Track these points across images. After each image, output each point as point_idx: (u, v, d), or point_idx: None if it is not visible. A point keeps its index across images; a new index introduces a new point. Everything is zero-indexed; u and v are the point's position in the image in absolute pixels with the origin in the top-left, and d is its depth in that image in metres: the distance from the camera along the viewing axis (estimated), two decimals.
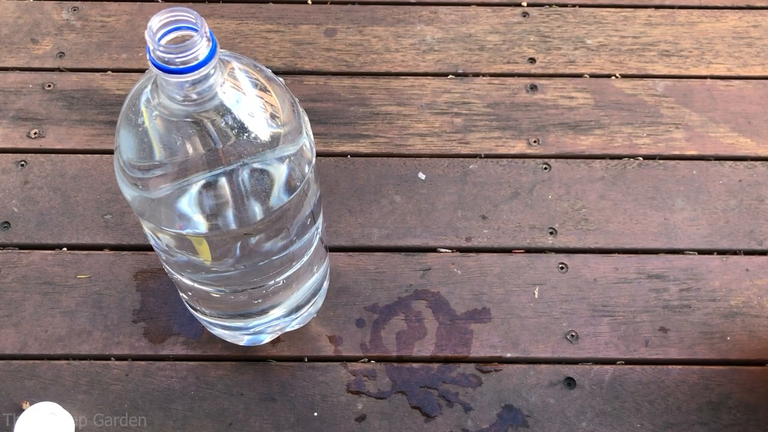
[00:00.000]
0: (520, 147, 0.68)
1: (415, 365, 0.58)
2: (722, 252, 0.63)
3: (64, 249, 0.62)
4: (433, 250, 0.63)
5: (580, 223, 0.64)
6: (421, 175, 0.66)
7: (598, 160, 0.67)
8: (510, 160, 0.67)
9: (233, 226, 0.42)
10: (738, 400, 0.56)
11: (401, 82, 0.72)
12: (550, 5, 0.78)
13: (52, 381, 0.56)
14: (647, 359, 0.58)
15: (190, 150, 0.39)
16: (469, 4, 0.77)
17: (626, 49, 0.74)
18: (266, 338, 0.57)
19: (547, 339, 0.59)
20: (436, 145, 0.68)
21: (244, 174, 0.40)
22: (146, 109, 0.39)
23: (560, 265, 0.62)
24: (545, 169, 0.67)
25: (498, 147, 0.68)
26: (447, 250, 0.63)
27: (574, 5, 0.77)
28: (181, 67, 0.35)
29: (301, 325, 0.58)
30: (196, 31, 0.35)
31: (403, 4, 0.77)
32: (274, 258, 0.47)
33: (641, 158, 0.68)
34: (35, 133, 0.68)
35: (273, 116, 0.41)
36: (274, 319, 0.55)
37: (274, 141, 0.41)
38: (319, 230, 0.51)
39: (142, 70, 0.71)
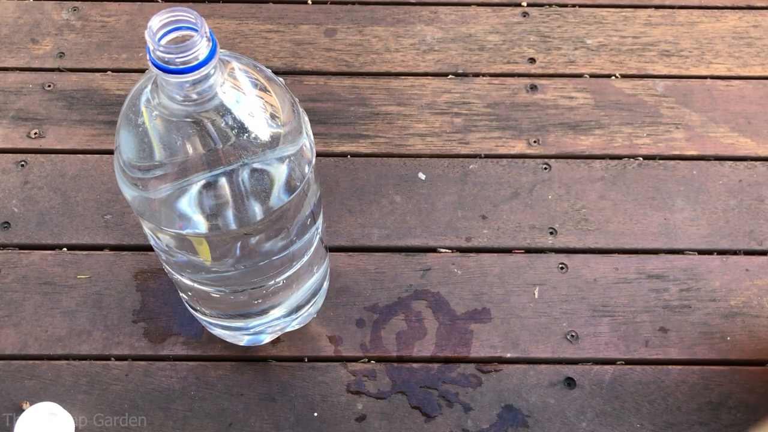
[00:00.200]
0: (520, 147, 0.68)
1: (415, 365, 0.58)
2: (722, 252, 0.63)
3: (64, 249, 0.62)
4: (433, 250, 0.63)
5: (580, 223, 0.64)
6: (421, 175, 0.66)
7: (598, 160, 0.67)
8: (510, 160, 0.67)
9: (233, 226, 0.42)
10: (738, 400, 0.56)
11: (401, 82, 0.72)
12: (550, 5, 0.78)
13: (52, 381, 0.56)
14: (647, 359, 0.58)
15: (190, 150, 0.39)
16: (469, 4, 0.77)
17: (626, 49, 0.74)
18: (266, 338, 0.57)
19: (547, 339, 0.59)
20: (436, 145, 0.68)
21: (244, 174, 0.40)
22: (146, 109, 0.39)
23: (560, 265, 0.62)
24: (545, 169, 0.67)
25: (498, 147, 0.68)
26: (447, 250, 0.63)
27: (574, 5, 0.77)
28: (181, 67, 0.35)
29: (301, 325, 0.58)
30: (196, 31, 0.35)
31: (403, 4, 0.77)
32: (274, 258, 0.47)
33: (641, 158, 0.68)
34: (35, 133, 0.68)
35: (273, 116, 0.41)
36: (274, 319, 0.55)
37: (274, 141, 0.41)
38: (319, 230, 0.51)
39: (142, 70, 0.71)
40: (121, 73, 0.72)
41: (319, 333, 0.59)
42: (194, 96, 0.37)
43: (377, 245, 0.63)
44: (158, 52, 0.35)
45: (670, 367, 0.58)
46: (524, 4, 0.77)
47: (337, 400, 0.56)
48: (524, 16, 0.77)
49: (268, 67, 0.44)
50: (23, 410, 0.54)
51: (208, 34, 0.36)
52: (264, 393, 0.56)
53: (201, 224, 0.41)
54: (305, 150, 0.43)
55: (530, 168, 0.67)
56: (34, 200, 0.64)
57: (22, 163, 0.66)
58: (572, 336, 0.59)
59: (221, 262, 0.46)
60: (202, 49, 0.35)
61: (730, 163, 0.67)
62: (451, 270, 0.62)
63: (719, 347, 0.59)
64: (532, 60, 0.73)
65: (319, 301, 0.59)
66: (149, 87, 0.39)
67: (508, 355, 0.58)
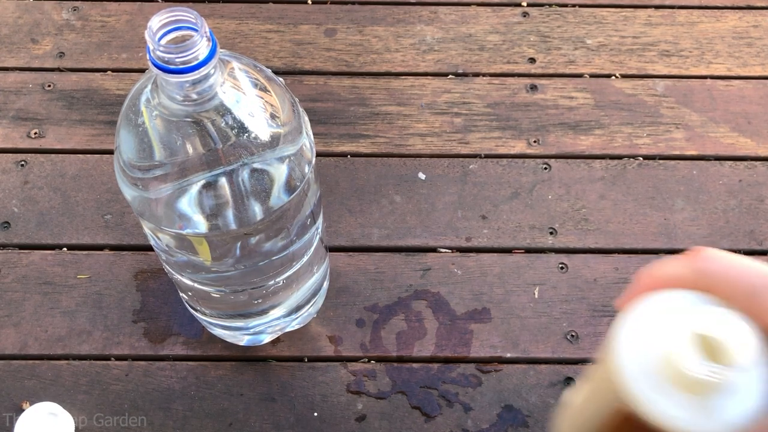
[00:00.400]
0: (520, 147, 0.68)
1: (415, 365, 0.58)
2: None
3: (64, 249, 0.62)
4: (433, 250, 0.63)
5: (580, 223, 0.64)
6: (421, 175, 0.66)
7: (598, 160, 0.67)
8: (510, 160, 0.67)
9: (233, 226, 0.42)
10: None
11: (401, 82, 0.72)
12: (550, 5, 0.78)
13: (52, 381, 0.56)
14: None
15: (190, 150, 0.39)
16: (469, 4, 0.77)
17: (626, 49, 0.74)
18: (266, 338, 0.57)
19: (547, 339, 0.59)
20: (436, 145, 0.68)
21: (244, 174, 0.40)
22: (146, 109, 0.39)
23: (560, 265, 0.62)
24: (545, 169, 0.67)
25: (498, 147, 0.68)
26: (447, 250, 0.63)
27: (574, 5, 0.77)
28: (181, 67, 0.35)
29: (301, 325, 0.58)
30: (196, 31, 0.35)
31: (403, 4, 0.77)
32: (274, 258, 0.47)
33: (641, 158, 0.68)
34: (35, 133, 0.68)
35: (273, 116, 0.41)
36: (274, 319, 0.55)
37: (274, 141, 0.41)
38: (319, 230, 0.51)
39: (142, 70, 0.71)
40: (121, 73, 0.72)
41: (319, 333, 0.59)
42: (194, 96, 0.37)
43: (377, 245, 0.63)
44: (158, 52, 0.35)
45: None
46: (524, 4, 0.77)
47: (337, 400, 0.56)
48: (524, 16, 0.77)
49: (268, 67, 0.44)
50: (23, 410, 0.54)
51: (208, 34, 0.36)
52: (264, 393, 0.56)
53: (201, 224, 0.41)
54: (305, 150, 0.43)
55: (530, 168, 0.67)
56: (34, 200, 0.64)
57: (22, 163, 0.66)
58: (572, 336, 0.59)
59: (221, 262, 0.46)
60: (202, 49, 0.35)
61: (730, 163, 0.67)
62: (451, 270, 0.62)
63: None
64: (532, 60, 0.73)
65: (319, 301, 0.59)
66: (149, 87, 0.39)
67: (508, 355, 0.58)
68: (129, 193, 0.42)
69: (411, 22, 0.76)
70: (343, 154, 0.67)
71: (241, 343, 0.58)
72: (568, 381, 0.57)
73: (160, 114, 0.39)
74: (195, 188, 0.40)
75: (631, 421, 0.32)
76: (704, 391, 0.30)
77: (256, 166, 0.41)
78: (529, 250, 0.63)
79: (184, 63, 0.35)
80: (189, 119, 0.38)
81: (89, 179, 0.65)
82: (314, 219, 0.49)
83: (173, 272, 0.50)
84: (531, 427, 0.55)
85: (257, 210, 0.42)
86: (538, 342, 0.59)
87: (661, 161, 0.68)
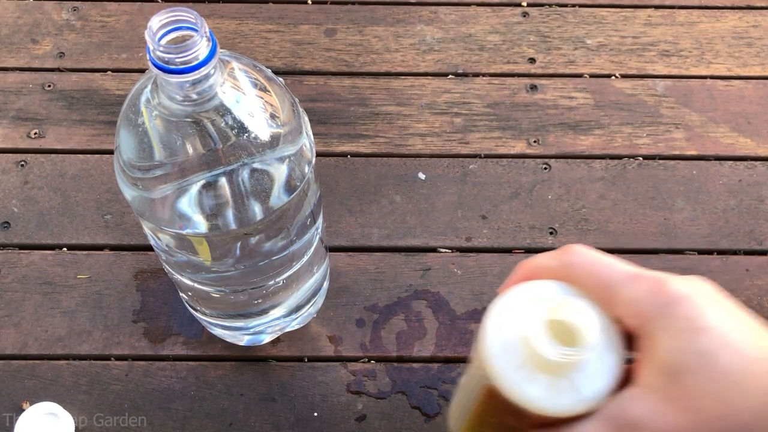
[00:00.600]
0: (520, 147, 0.68)
1: (415, 365, 0.58)
2: (722, 252, 0.63)
3: (64, 249, 0.62)
4: (433, 250, 0.63)
5: (580, 223, 0.64)
6: (421, 175, 0.66)
7: (598, 160, 0.67)
8: (510, 160, 0.67)
9: (233, 226, 0.42)
10: None
11: (401, 82, 0.72)
12: (550, 5, 0.78)
13: (52, 381, 0.56)
14: None
15: (190, 150, 0.39)
16: (469, 4, 0.77)
17: (626, 49, 0.74)
18: (266, 338, 0.57)
19: None
20: (436, 145, 0.68)
21: (244, 174, 0.40)
22: (146, 109, 0.39)
23: None
24: (545, 169, 0.67)
25: (498, 147, 0.68)
26: (447, 250, 0.63)
27: (574, 5, 0.77)
28: (181, 67, 0.35)
29: (301, 325, 0.58)
30: (196, 31, 0.35)
31: (403, 4, 0.77)
32: (274, 258, 0.47)
33: (641, 158, 0.68)
34: (35, 133, 0.68)
35: (273, 116, 0.41)
36: (274, 319, 0.55)
37: (274, 141, 0.41)
38: (319, 230, 0.51)
39: (142, 70, 0.71)
40: (121, 73, 0.72)
41: (319, 333, 0.59)
42: (194, 96, 0.37)
43: (377, 245, 0.63)
44: (158, 52, 0.35)
45: None
46: (524, 4, 0.77)
47: (337, 400, 0.56)
48: (524, 16, 0.77)
49: (268, 67, 0.44)
50: (23, 410, 0.54)
51: (208, 34, 0.36)
52: (264, 393, 0.56)
53: (201, 224, 0.41)
54: (305, 150, 0.43)
55: (530, 168, 0.67)
56: (34, 200, 0.64)
57: (22, 163, 0.66)
58: None
59: (221, 262, 0.46)
60: (202, 49, 0.35)
61: (730, 163, 0.67)
62: (451, 270, 0.62)
63: None
64: (532, 60, 0.73)
65: (319, 301, 0.59)
66: (149, 87, 0.39)
67: None
68: (129, 193, 0.42)
69: (411, 22, 0.76)
70: (343, 154, 0.67)
71: (241, 343, 0.58)
72: None
73: (160, 114, 0.39)
74: (195, 188, 0.40)
75: (496, 398, 0.35)
76: (557, 372, 0.33)
77: (256, 166, 0.41)
78: (529, 250, 0.63)
79: (184, 63, 0.35)
80: (189, 119, 0.38)
81: (89, 179, 0.65)
82: (314, 219, 0.49)
83: (173, 272, 0.50)
84: None
85: (257, 210, 0.42)
86: None
87: (661, 161, 0.68)
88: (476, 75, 0.73)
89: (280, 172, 0.42)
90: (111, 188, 0.65)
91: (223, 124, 0.39)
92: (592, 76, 0.73)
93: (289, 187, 0.42)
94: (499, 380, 0.34)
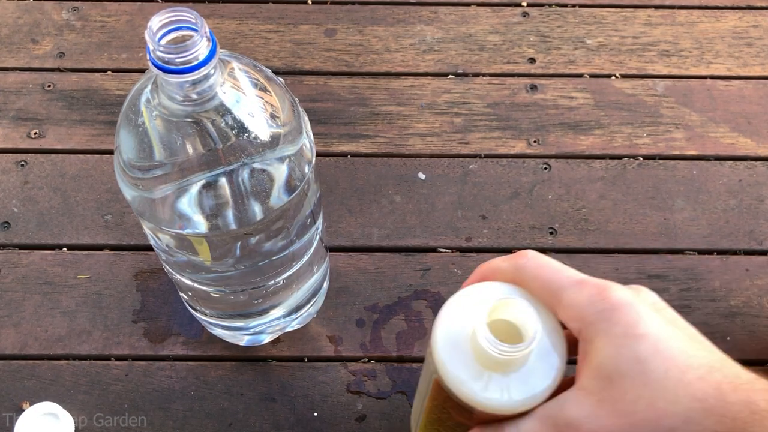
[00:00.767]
0: (520, 147, 0.68)
1: (415, 365, 0.58)
2: (722, 252, 0.63)
3: (64, 249, 0.62)
4: (433, 250, 0.63)
5: (580, 223, 0.64)
6: (421, 175, 0.66)
7: (598, 160, 0.67)
8: (510, 160, 0.67)
9: (233, 226, 0.42)
10: None
11: (401, 82, 0.72)
12: (550, 5, 0.78)
13: (52, 381, 0.56)
14: None
15: (190, 150, 0.39)
16: (469, 4, 0.77)
17: (626, 49, 0.74)
18: (266, 338, 0.57)
19: None
20: (436, 145, 0.68)
21: (244, 174, 0.40)
22: (146, 109, 0.39)
23: None
24: (545, 169, 0.67)
25: (498, 147, 0.68)
26: (447, 250, 0.63)
27: (574, 5, 0.78)
28: (181, 67, 0.35)
29: (301, 325, 0.58)
30: (196, 31, 0.35)
31: (403, 4, 0.77)
32: (274, 258, 0.47)
33: (641, 158, 0.68)
34: (35, 133, 0.68)
35: (273, 116, 0.41)
36: (274, 319, 0.55)
37: (274, 141, 0.41)
38: (319, 230, 0.51)
39: (142, 70, 0.71)
40: (121, 73, 0.72)
41: (319, 333, 0.59)
42: (194, 96, 0.37)
43: (377, 245, 0.63)
44: (158, 52, 0.35)
45: None
46: (524, 4, 0.77)
47: (337, 400, 0.56)
48: (524, 16, 0.77)
49: (268, 67, 0.44)
50: (23, 410, 0.54)
51: (208, 34, 0.36)
52: (264, 393, 0.56)
53: (201, 224, 0.41)
54: (305, 150, 0.43)
55: (530, 168, 0.67)
56: (34, 200, 0.64)
57: (22, 163, 0.66)
58: None
59: (221, 262, 0.46)
60: (202, 49, 0.35)
61: (730, 163, 0.67)
62: (451, 270, 0.62)
63: (719, 347, 0.58)
64: (532, 60, 0.73)
65: (319, 301, 0.59)
66: (149, 87, 0.39)
67: None
68: (129, 193, 0.42)
69: (411, 22, 0.76)
70: (343, 154, 0.67)
71: (241, 343, 0.58)
72: None
73: (160, 114, 0.39)
74: (195, 188, 0.40)
75: (443, 394, 0.37)
76: (500, 369, 0.35)
77: (256, 166, 0.41)
78: None
79: (184, 63, 0.35)
80: (189, 119, 0.38)
81: (89, 179, 0.65)
82: (314, 219, 0.49)
83: (173, 272, 0.50)
84: None
85: (257, 210, 0.42)
86: None
87: (661, 161, 0.68)
88: (476, 75, 0.73)
89: (280, 172, 0.42)
90: (111, 188, 0.65)
91: (223, 124, 0.39)
92: (592, 76, 0.73)
93: (289, 187, 0.42)
94: (444, 375, 0.35)
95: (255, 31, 0.75)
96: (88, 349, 0.58)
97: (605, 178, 0.66)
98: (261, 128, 0.40)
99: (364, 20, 0.76)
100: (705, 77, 0.73)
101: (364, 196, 0.65)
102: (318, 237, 0.51)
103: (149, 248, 0.61)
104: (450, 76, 0.72)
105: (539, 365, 0.35)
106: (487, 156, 0.68)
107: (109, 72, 0.72)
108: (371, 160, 0.67)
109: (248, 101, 0.40)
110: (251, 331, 0.56)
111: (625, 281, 0.62)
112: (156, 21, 0.35)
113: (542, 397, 0.35)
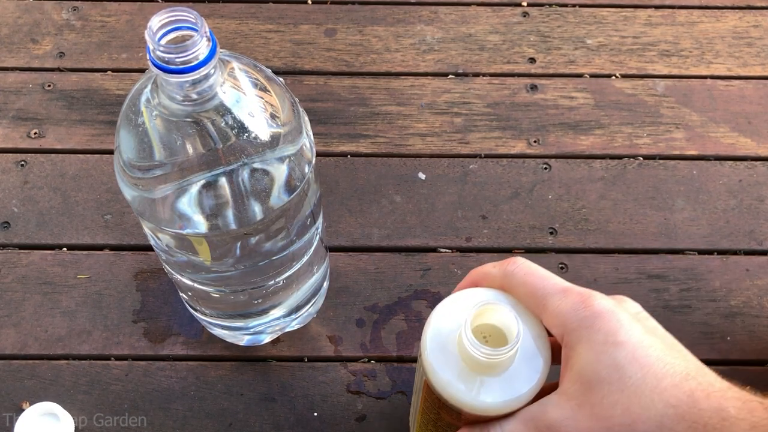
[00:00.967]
0: (520, 147, 0.68)
1: (415, 365, 0.58)
2: (722, 252, 0.63)
3: (64, 249, 0.62)
4: (433, 250, 0.63)
5: (580, 223, 0.64)
6: (421, 175, 0.66)
7: (598, 160, 0.67)
8: (510, 160, 0.67)
9: (233, 226, 0.42)
10: None
11: (401, 82, 0.72)
12: (550, 5, 0.78)
13: (52, 381, 0.56)
14: None
15: (190, 150, 0.39)
16: (469, 4, 0.77)
17: (626, 49, 0.74)
18: (266, 338, 0.57)
19: None
20: (436, 145, 0.68)
21: (244, 174, 0.40)
22: (146, 109, 0.39)
23: (560, 265, 0.62)
24: (545, 169, 0.67)
25: (498, 147, 0.68)
26: (447, 250, 0.63)
27: (574, 5, 0.77)
28: (181, 67, 0.35)
29: (301, 325, 0.58)
30: (196, 31, 0.35)
31: (403, 4, 0.77)
32: (274, 258, 0.47)
33: (641, 158, 0.68)
34: (35, 133, 0.68)
35: (273, 116, 0.41)
36: (274, 319, 0.55)
37: (274, 141, 0.41)
38: (319, 230, 0.51)
39: (142, 70, 0.71)
40: (121, 73, 0.72)
41: (319, 333, 0.59)
42: (194, 96, 0.37)
43: (377, 245, 0.63)
44: (158, 52, 0.35)
45: None
46: (524, 4, 0.77)
47: (337, 400, 0.56)
48: (524, 16, 0.77)
49: (268, 67, 0.44)
50: (23, 410, 0.54)
51: (208, 34, 0.36)
52: (264, 393, 0.56)
53: (201, 224, 0.41)
54: (305, 150, 0.43)
55: (530, 168, 0.67)
56: (34, 200, 0.64)
57: (22, 163, 0.66)
58: None
59: (221, 262, 0.46)
60: (202, 49, 0.35)
61: (730, 163, 0.67)
62: (451, 270, 0.62)
63: (719, 347, 0.59)
64: (532, 60, 0.73)
65: (319, 301, 0.59)
66: (149, 87, 0.39)
67: None
68: (129, 193, 0.42)
69: (411, 22, 0.76)
70: (343, 154, 0.67)
71: (241, 343, 0.58)
72: None
73: (160, 114, 0.39)
74: (195, 188, 0.40)
75: (433, 394, 0.38)
76: (485, 372, 0.36)
77: (256, 166, 0.41)
78: (529, 250, 0.63)
79: (184, 63, 0.35)
80: (189, 119, 0.38)
81: (89, 179, 0.65)
82: (314, 219, 0.49)
83: (173, 272, 0.50)
84: None
85: (257, 210, 0.42)
86: None
87: (661, 161, 0.68)
88: (476, 75, 0.73)
89: (280, 172, 0.42)
90: (111, 188, 0.65)
91: (223, 124, 0.39)
92: (592, 76, 0.73)
93: (289, 187, 0.42)
94: (433, 377, 0.37)
95: (255, 31, 0.75)
96: (88, 349, 0.58)
97: (605, 178, 0.66)
98: (261, 128, 0.40)
99: (364, 20, 0.76)
100: (705, 77, 0.73)
101: (364, 196, 0.65)
102: (318, 237, 0.51)
103: (149, 248, 0.61)
104: (450, 76, 0.72)
105: (523, 369, 0.37)
106: (487, 156, 0.68)
107: (109, 72, 0.72)
108: (371, 160, 0.67)
109: (248, 101, 0.40)
110: (251, 331, 0.56)
111: (625, 281, 0.63)
112: (156, 21, 0.35)
113: (526, 399, 0.36)
